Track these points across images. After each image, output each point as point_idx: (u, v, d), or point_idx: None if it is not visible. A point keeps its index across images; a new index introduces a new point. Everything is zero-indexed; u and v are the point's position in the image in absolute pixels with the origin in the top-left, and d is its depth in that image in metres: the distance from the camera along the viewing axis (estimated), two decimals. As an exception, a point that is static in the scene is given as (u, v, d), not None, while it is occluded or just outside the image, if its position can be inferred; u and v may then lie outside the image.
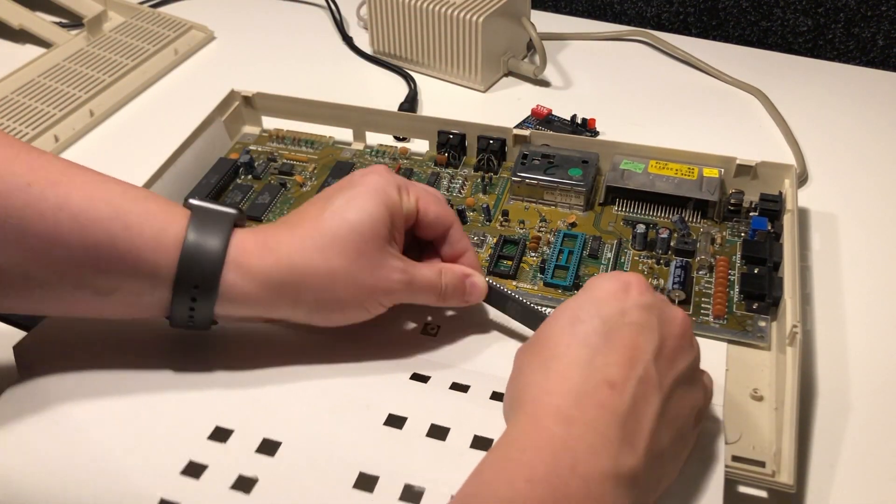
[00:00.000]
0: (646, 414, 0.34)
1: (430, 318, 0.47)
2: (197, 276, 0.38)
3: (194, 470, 0.37)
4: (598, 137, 0.68)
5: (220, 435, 0.39)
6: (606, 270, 0.52)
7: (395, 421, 0.39)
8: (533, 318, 0.44)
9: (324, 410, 0.40)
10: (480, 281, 0.45)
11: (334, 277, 0.40)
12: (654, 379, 0.34)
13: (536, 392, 0.34)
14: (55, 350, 0.43)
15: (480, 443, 0.38)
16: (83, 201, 0.36)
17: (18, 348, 0.43)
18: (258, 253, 0.39)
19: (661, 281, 0.51)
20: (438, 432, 0.38)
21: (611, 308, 0.36)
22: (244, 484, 0.36)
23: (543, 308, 0.44)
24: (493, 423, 0.39)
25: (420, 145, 0.64)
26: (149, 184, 0.55)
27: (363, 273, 0.40)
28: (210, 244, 0.38)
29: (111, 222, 0.37)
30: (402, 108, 0.72)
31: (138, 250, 0.37)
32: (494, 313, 0.47)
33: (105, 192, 0.37)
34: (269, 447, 0.38)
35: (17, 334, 0.44)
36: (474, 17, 0.70)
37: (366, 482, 0.36)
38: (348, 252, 0.40)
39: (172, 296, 0.38)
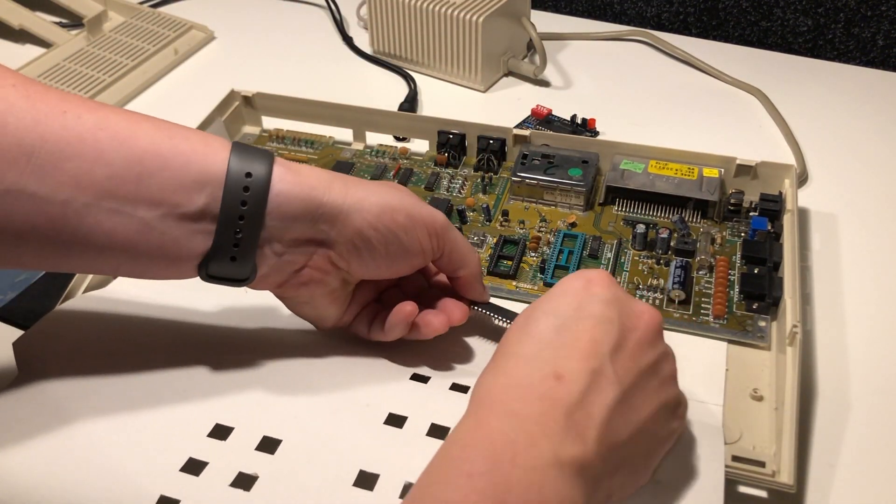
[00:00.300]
0: (597, 404, 0.33)
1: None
2: (248, 177, 0.36)
3: (194, 467, 0.37)
4: (598, 137, 0.68)
5: (221, 432, 0.39)
6: (607, 270, 0.52)
7: (396, 420, 0.39)
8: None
9: (324, 409, 0.40)
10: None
11: (387, 194, 0.40)
12: (609, 372, 0.34)
13: (482, 392, 0.34)
14: (55, 347, 0.43)
15: None
16: (122, 121, 0.35)
17: (18, 346, 0.43)
18: (306, 167, 0.39)
19: (661, 281, 0.51)
20: (439, 431, 0.38)
21: (567, 304, 0.36)
22: (244, 481, 0.36)
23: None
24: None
25: (420, 145, 0.64)
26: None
27: (412, 199, 0.41)
28: (257, 155, 0.37)
29: (154, 135, 0.36)
30: (402, 108, 0.72)
31: (185, 155, 0.35)
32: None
33: (142, 118, 0.37)
34: (269, 445, 0.38)
35: (16, 333, 0.44)
36: (474, 17, 0.70)
37: (366, 480, 0.36)
38: (404, 198, 0.41)
39: (220, 214, 0.36)
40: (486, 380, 0.35)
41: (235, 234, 0.37)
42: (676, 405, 0.37)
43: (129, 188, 0.35)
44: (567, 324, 0.35)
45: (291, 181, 0.38)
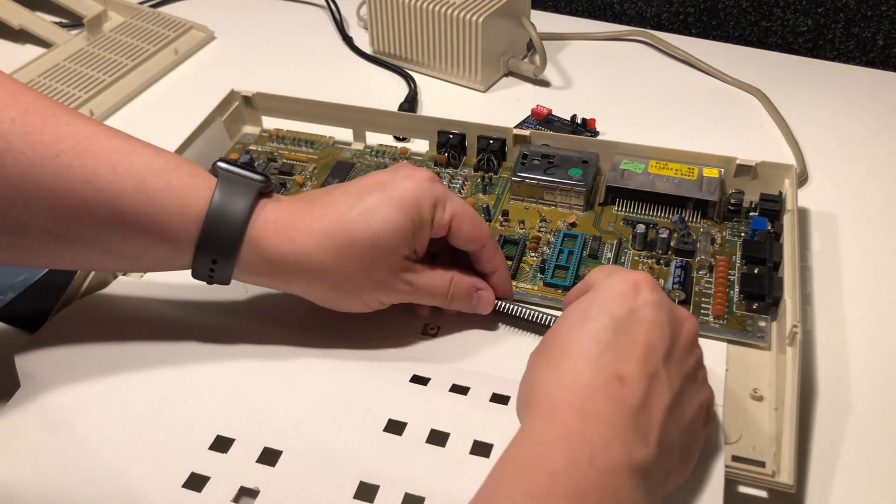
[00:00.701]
0: (656, 408, 0.34)
1: (429, 320, 0.47)
2: (215, 250, 0.40)
3: (196, 482, 0.37)
4: (598, 137, 0.68)
5: (222, 445, 0.39)
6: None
7: (395, 427, 0.39)
8: (542, 329, 0.46)
9: (324, 416, 0.40)
10: (489, 297, 0.46)
11: (344, 277, 0.41)
12: (664, 376, 0.35)
13: (549, 388, 0.35)
14: (56, 359, 0.43)
15: (480, 448, 0.38)
16: (108, 174, 0.38)
17: (21, 358, 0.43)
18: (277, 238, 0.40)
19: (661, 281, 0.51)
20: (438, 438, 0.38)
21: (621, 306, 0.37)
22: (246, 495, 0.36)
23: (551, 319, 0.45)
24: (492, 426, 0.39)
25: (420, 145, 0.64)
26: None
27: (371, 280, 0.42)
28: (231, 219, 0.40)
29: (135, 197, 0.38)
30: (402, 108, 0.72)
31: (161, 225, 0.39)
32: (493, 314, 0.47)
33: (129, 166, 0.38)
34: (270, 456, 0.38)
35: (16, 333, 0.44)
36: (474, 17, 0.70)
37: (366, 492, 0.36)
38: (363, 259, 0.41)
39: (193, 260, 0.40)
40: (548, 375, 0.36)
41: (209, 274, 0.41)
42: (709, 405, 0.39)
43: (112, 239, 0.39)
44: (623, 326, 0.36)
45: (255, 260, 0.41)
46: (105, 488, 0.37)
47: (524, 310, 0.46)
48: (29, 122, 0.37)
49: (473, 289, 0.46)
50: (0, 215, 0.37)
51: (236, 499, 0.36)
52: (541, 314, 0.46)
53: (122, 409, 0.40)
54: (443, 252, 0.46)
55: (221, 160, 0.42)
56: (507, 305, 0.47)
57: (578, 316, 0.37)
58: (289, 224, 0.40)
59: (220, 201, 0.39)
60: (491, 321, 0.47)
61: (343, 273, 0.41)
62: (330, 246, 0.40)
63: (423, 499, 0.36)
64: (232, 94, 0.66)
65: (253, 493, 0.36)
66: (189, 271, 0.41)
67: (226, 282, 0.41)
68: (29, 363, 0.42)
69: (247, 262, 0.41)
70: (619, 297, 0.37)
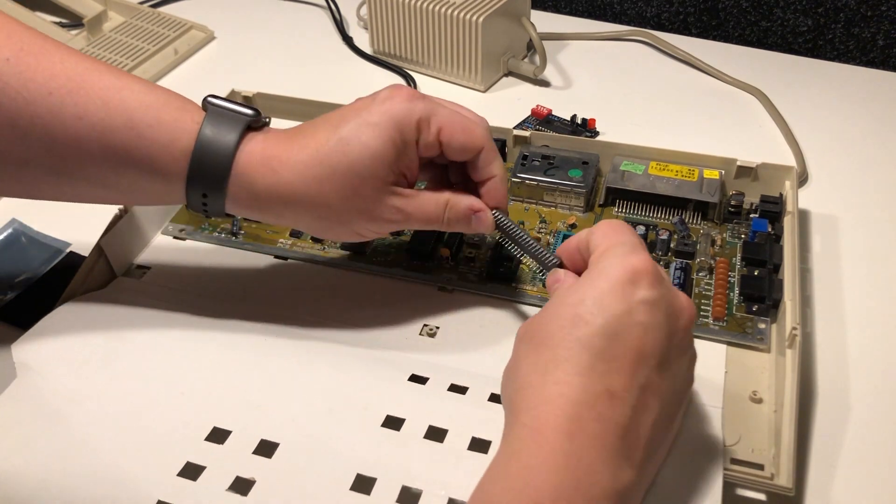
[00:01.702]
0: (644, 425, 0.34)
1: (429, 320, 0.48)
2: (204, 184, 0.41)
3: (192, 471, 0.37)
4: (599, 138, 0.67)
5: (218, 436, 0.39)
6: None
7: (393, 422, 0.39)
8: (539, 262, 0.44)
9: (322, 411, 0.40)
10: (487, 218, 0.44)
11: (329, 208, 0.41)
12: (655, 385, 0.34)
13: (535, 400, 0.34)
14: (53, 349, 0.43)
15: (478, 445, 0.38)
16: (99, 111, 0.39)
17: (18, 348, 0.43)
18: (261, 171, 0.41)
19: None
20: (436, 434, 0.38)
21: (617, 304, 0.34)
22: (241, 486, 0.36)
23: (551, 260, 0.42)
24: (491, 425, 0.39)
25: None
26: (149, 185, 0.55)
27: (357, 209, 0.41)
28: (217, 153, 0.40)
29: (126, 132, 0.39)
30: (402, 108, 0.72)
31: (151, 160, 0.40)
32: (493, 315, 0.47)
33: (120, 102, 0.39)
34: (266, 448, 0.38)
35: (16, 333, 0.44)
36: (474, 17, 0.70)
37: (363, 484, 0.36)
38: (345, 189, 0.41)
39: (185, 194, 0.41)
40: (534, 381, 0.34)
41: (202, 205, 0.42)
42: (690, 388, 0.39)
43: (107, 174, 0.40)
44: (617, 331, 0.34)
45: (243, 193, 0.41)
46: (99, 475, 0.37)
47: (525, 237, 0.44)
48: (23, 61, 0.39)
49: (470, 211, 0.44)
50: (1, 152, 0.39)
51: (232, 489, 0.36)
52: (542, 252, 0.43)
53: (119, 400, 0.40)
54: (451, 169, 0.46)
55: (212, 95, 0.42)
56: (509, 226, 0.45)
57: (570, 314, 0.35)
58: (272, 156, 0.41)
59: (208, 136, 0.40)
60: (489, 322, 0.47)
61: (326, 204, 0.41)
62: (311, 177, 0.40)
63: (420, 492, 0.36)
64: (232, 95, 0.66)
65: (249, 484, 0.36)
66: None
67: (220, 214, 0.42)
68: (25, 353, 0.43)
69: (235, 194, 0.41)
70: (615, 291, 0.35)
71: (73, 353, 0.43)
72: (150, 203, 0.44)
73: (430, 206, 0.43)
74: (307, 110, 0.65)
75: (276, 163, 0.41)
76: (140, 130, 0.39)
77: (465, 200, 0.44)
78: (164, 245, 0.55)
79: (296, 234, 0.55)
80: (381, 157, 0.40)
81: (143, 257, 0.54)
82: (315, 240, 0.55)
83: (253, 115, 0.42)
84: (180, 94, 0.42)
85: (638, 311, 0.34)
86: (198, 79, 0.79)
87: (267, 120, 0.43)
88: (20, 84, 0.38)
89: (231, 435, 0.39)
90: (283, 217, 0.42)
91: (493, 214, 0.45)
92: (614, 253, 0.37)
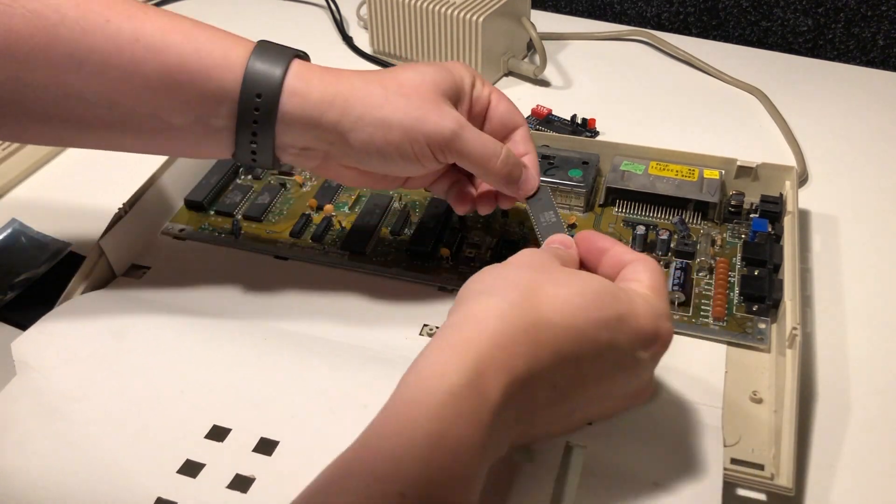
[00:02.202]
0: (542, 401, 0.34)
1: (429, 320, 0.48)
2: (258, 97, 0.40)
3: (191, 469, 0.37)
4: (599, 138, 0.67)
5: (218, 434, 0.39)
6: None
7: None
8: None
9: (321, 410, 0.40)
10: (534, 178, 0.46)
11: (389, 108, 0.41)
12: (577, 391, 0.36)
13: (475, 308, 0.35)
14: (54, 348, 0.43)
15: None
16: (156, 32, 0.40)
17: (17, 346, 0.43)
18: (319, 75, 0.42)
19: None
20: None
21: (621, 338, 0.35)
22: (241, 483, 0.36)
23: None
24: None
25: (420, 146, 0.64)
26: (149, 183, 0.55)
27: (418, 110, 0.41)
28: (272, 67, 0.41)
29: (182, 47, 0.40)
30: (402, 108, 0.72)
31: (207, 70, 0.40)
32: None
33: (176, 24, 0.40)
34: (266, 446, 0.38)
35: (16, 333, 0.45)
36: (474, 17, 0.70)
37: None
38: (407, 90, 0.42)
39: (237, 126, 0.41)
40: (492, 291, 0.36)
41: (251, 143, 0.41)
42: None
43: (161, 98, 0.40)
44: (589, 344, 0.34)
45: (297, 103, 0.41)
46: (98, 474, 0.37)
47: (553, 213, 0.46)
48: None
49: (522, 164, 0.46)
50: (55, 83, 0.39)
51: (231, 486, 0.36)
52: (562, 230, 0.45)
53: (118, 398, 0.41)
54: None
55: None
56: (546, 195, 0.47)
57: (587, 288, 0.35)
58: (330, 70, 0.42)
59: (260, 55, 0.41)
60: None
61: (387, 100, 0.41)
62: (373, 79, 0.42)
63: None
64: (232, 95, 0.65)
65: (248, 481, 0.36)
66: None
67: (269, 156, 0.42)
68: (25, 352, 0.43)
69: (289, 110, 0.40)
70: (634, 331, 0.35)
71: (72, 352, 0.43)
72: (196, 147, 0.43)
73: (490, 141, 0.43)
74: (307, 110, 0.65)
75: (334, 71, 0.42)
76: (198, 45, 0.40)
77: (516, 151, 0.46)
78: (163, 245, 0.55)
79: (295, 234, 0.55)
80: (443, 79, 0.43)
81: (143, 257, 0.54)
82: (315, 239, 0.55)
83: (301, 52, 0.43)
84: None
85: (644, 366, 0.37)
86: (198, 78, 0.79)
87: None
88: (79, 15, 0.38)
89: (231, 433, 0.39)
90: (333, 132, 0.41)
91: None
92: (660, 297, 0.37)
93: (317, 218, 0.57)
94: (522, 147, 0.47)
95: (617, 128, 0.69)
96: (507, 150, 0.44)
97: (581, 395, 0.36)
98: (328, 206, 0.57)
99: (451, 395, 0.30)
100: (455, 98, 0.43)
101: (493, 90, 0.46)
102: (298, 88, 0.41)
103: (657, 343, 0.36)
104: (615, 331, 0.34)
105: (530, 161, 0.47)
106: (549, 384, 0.34)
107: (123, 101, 0.40)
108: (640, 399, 0.39)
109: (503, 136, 0.47)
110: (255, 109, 0.40)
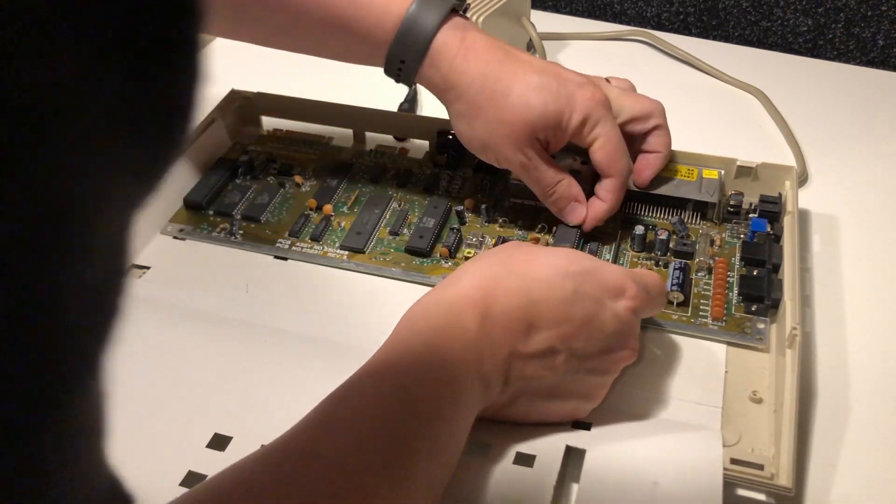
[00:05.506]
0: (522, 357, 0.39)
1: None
2: (405, 53, 0.49)
3: (194, 481, 0.37)
4: (598, 138, 0.67)
5: (219, 442, 0.39)
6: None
7: None
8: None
9: None
10: (580, 212, 0.52)
11: (479, 126, 0.49)
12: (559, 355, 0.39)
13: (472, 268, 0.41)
14: None
15: (477, 445, 0.38)
16: None
17: None
18: (449, 62, 0.48)
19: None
20: None
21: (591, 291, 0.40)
22: None
23: None
24: (489, 424, 0.39)
25: (420, 146, 0.64)
26: (148, 184, 0.55)
27: (500, 138, 0.49)
28: (421, 30, 0.48)
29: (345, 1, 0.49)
30: (401, 108, 0.72)
31: (364, 27, 0.49)
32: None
33: None
34: None
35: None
36: (474, 17, 0.70)
37: None
38: (506, 115, 0.48)
39: (385, 60, 0.50)
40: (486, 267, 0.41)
41: (398, 70, 0.50)
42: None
43: (327, 38, 0.52)
44: (576, 301, 0.40)
45: (430, 74, 0.49)
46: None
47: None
48: None
49: (572, 199, 0.51)
50: (239, 7, 0.50)
51: None
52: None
53: (118, 406, 0.40)
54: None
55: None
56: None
57: (562, 286, 0.39)
58: (469, 46, 0.48)
59: (416, 12, 0.48)
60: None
61: (482, 125, 0.49)
62: (486, 93, 0.48)
63: None
64: (232, 94, 0.66)
65: None
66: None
67: (409, 83, 0.51)
68: None
69: (426, 71, 0.49)
70: (604, 292, 0.40)
71: None
72: (352, 62, 0.53)
73: (549, 173, 0.50)
74: (307, 110, 0.65)
75: (472, 54, 0.48)
76: (358, 2, 0.48)
77: (575, 189, 0.51)
78: (163, 245, 0.55)
79: (294, 234, 0.55)
80: (546, 118, 0.48)
81: (143, 257, 0.54)
82: (315, 239, 0.55)
83: (457, 2, 0.49)
84: None
85: (593, 300, 0.40)
86: (197, 79, 0.79)
87: (467, 4, 0.53)
88: None
89: (231, 441, 0.39)
90: (451, 101, 0.50)
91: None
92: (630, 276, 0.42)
93: (316, 218, 0.57)
94: (603, 194, 0.51)
95: (617, 128, 0.69)
96: (559, 185, 0.51)
97: (561, 341, 0.39)
98: (327, 207, 0.57)
99: (435, 328, 0.37)
100: (547, 131, 0.48)
101: (598, 138, 0.49)
102: (436, 60, 0.48)
103: (625, 295, 0.40)
104: (581, 282, 0.39)
105: (600, 207, 0.51)
106: (525, 322, 0.38)
107: (294, 30, 0.52)
108: (626, 359, 0.42)
109: (602, 176, 0.51)
110: (401, 62, 0.49)
